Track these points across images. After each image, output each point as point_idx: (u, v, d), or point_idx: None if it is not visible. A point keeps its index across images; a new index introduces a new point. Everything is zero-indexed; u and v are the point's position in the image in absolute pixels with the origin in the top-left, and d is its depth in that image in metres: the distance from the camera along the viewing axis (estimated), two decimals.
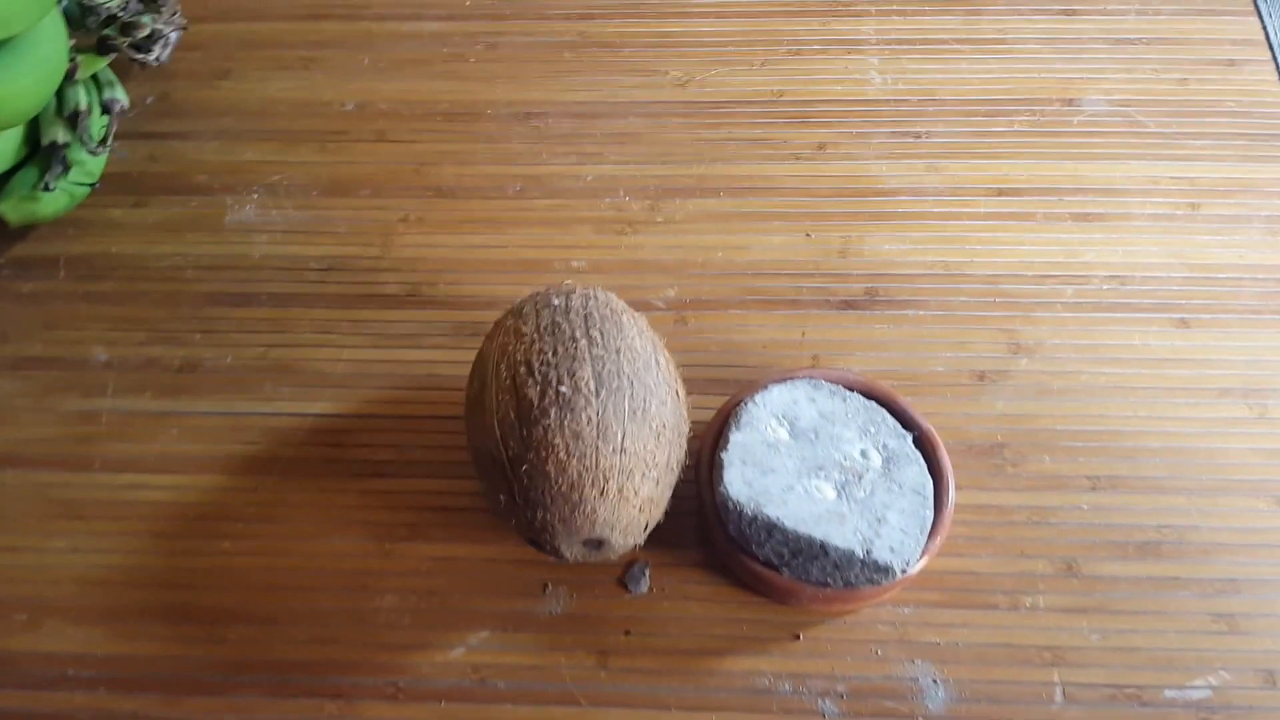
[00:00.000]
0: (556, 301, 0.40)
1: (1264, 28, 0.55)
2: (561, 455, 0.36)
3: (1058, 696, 0.40)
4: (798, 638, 0.41)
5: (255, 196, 0.54)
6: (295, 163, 0.55)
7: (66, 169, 0.50)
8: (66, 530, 0.45)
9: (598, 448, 0.36)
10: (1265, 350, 0.47)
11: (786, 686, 0.40)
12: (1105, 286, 0.49)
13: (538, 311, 0.40)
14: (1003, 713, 0.40)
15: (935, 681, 0.40)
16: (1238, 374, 0.47)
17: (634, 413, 0.37)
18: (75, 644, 0.42)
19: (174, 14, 0.52)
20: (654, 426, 0.38)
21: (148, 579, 0.44)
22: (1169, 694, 0.40)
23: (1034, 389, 0.46)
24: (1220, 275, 0.49)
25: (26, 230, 0.53)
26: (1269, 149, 0.52)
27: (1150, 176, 0.52)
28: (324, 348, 0.49)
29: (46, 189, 0.49)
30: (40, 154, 0.50)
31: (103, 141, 0.51)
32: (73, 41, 0.49)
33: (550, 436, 0.36)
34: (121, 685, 0.42)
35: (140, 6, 0.51)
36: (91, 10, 0.49)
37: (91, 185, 0.53)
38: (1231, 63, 0.54)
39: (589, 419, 0.36)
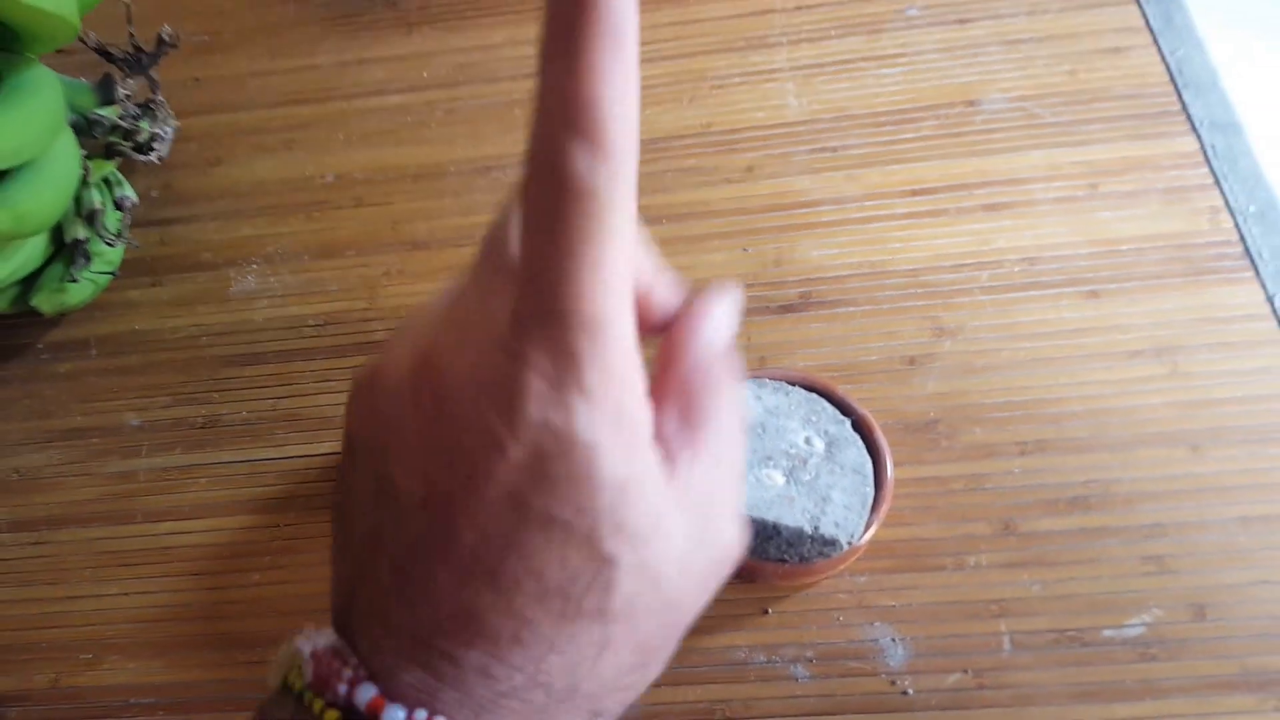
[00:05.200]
0: None
1: (1143, 14, 0.54)
2: None
3: (1006, 644, 0.40)
4: (767, 612, 0.42)
5: (254, 267, 0.55)
6: (286, 233, 0.56)
7: (89, 261, 0.51)
8: (117, 577, 0.46)
9: None
10: (1171, 311, 0.47)
11: (761, 657, 0.41)
12: (1017, 268, 0.49)
13: None
14: (957, 663, 0.40)
15: (894, 640, 0.41)
16: (1147, 335, 0.46)
17: None
18: (134, 676, 0.44)
19: (168, 117, 0.53)
20: None
21: (192, 613, 0.45)
22: (1107, 633, 0.40)
23: (960, 368, 0.46)
24: (1123, 247, 0.49)
25: (59, 317, 0.54)
26: (1158, 126, 0.52)
27: (1051, 163, 0.52)
28: (325, 394, 0.50)
29: (73, 281, 0.51)
30: (64, 251, 0.52)
31: (118, 234, 0.52)
32: (83, 151, 0.50)
33: None
34: (178, 709, 0.43)
35: (138, 112, 0.52)
36: (97, 123, 0.50)
37: (112, 273, 0.54)
38: (1117, 50, 0.54)
39: None
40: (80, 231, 0.51)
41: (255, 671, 0.43)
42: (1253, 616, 0.39)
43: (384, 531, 0.19)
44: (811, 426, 0.42)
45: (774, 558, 0.40)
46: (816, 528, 0.39)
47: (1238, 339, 0.45)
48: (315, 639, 0.20)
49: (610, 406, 0.18)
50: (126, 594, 0.46)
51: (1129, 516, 0.42)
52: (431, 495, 0.18)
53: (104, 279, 0.54)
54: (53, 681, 0.44)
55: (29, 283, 0.52)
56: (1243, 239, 0.48)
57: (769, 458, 0.41)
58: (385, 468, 0.19)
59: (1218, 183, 0.49)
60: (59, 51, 0.49)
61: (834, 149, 0.54)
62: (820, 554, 0.40)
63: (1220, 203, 0.49)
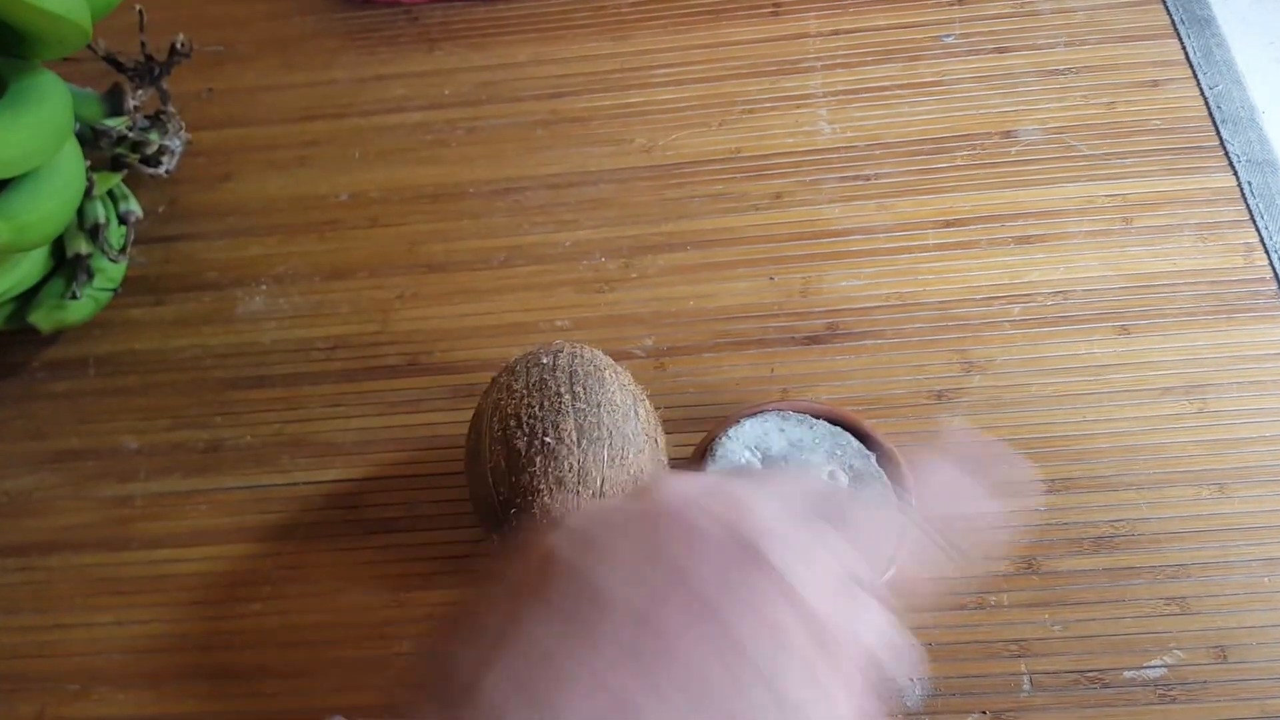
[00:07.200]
0: (545, 360, 0.46)
1: (1183, 48, 0.61)
2: (545, 499, 0.42)
3: (1025, 685, 0.45)
4: None
5: (263, 287, 0.61)
6: (297, 253, 0.62)
7: (90, 277, 0.57)
8: (110, 605, 0.52)
9: (578, 492, 0.42)
10: (1202, 349, 0.53)
11: None
12: (1049, 303, 0.55)
13: (528, 369, 0.46)
14: (976, 704, 0.45)
15: (912, 680, 0.45)
16: (1177, 373, 0.52)
17: (612, 460, 0.43)
18: (125, 708, 0.49)
19: (179, 129, 0.60)
20: (631, 472, 0.43)
21: (187, 643, 0.50)
22: (1128, 674, 0.45)
23: (988, 403, 0.52)
24: (1156, 283, 0.55)
25: (57, 335, 0.60)
26: (1193, 160, 0.58)
27: (1085, 196, 0.58)
28: (333, 419, 0.56)
29: (74, 297, 0.56)
30: (66, 266, 0.57)
31: (122, 250, 0.59)
32: (88, 162, 0.57)
33: (535, 482, 0.42)
34: None
35: (148, 124, 0.59)
36: (104, 133, 0.57)
37: (114, 290, 0.60)
38: (1155, 83, 0.61)
39: (570, 466, 0.42)
40: (82, 246, 0.57)
41: (251, 704, 0.48)
42: (1274, 658, 0.45)
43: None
44: (836, 461, 0.49)
45: None
46: None
47: (1268, 377, 0.52)
48: None
49: None
50: (119, 623, 0.51)
51: (1153, 556, 0.48)
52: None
53: (105, 296, 0.60)
54: (38, 713, 0.49)
55: (27, 298, 0.57)
56: (1276, 277, 0.54)
57: None
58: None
59: (1253, 220, 0.56)
60: (66, 60, 0.55)
61: (866, 177, 0.60)
62: None
63: (1255, 240, 0.55)
